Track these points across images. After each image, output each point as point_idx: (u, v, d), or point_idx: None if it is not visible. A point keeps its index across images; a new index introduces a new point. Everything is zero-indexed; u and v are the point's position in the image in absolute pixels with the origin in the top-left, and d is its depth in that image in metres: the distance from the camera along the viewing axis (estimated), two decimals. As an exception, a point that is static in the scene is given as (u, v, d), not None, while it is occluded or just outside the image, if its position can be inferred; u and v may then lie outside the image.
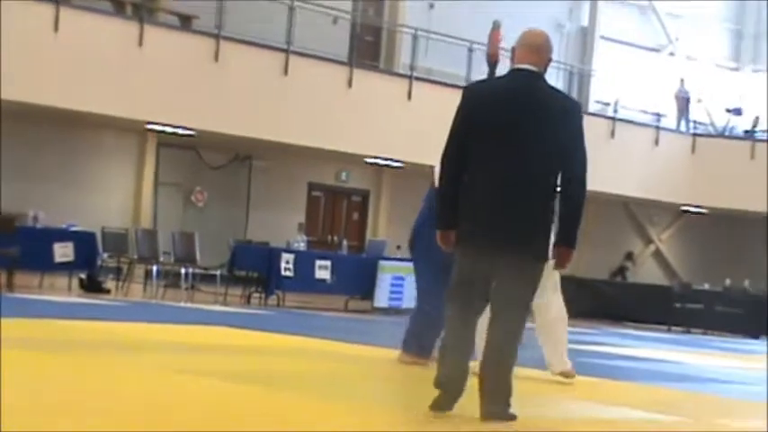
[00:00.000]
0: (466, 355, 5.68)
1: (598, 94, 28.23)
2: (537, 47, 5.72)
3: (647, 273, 29.27)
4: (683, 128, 28.19)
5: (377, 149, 22.77)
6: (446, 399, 5.60)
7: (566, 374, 8.11)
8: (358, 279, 17.24)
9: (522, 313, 5.67)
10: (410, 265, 17.56)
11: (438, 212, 5.79)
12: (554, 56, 6.02)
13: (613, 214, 28.65)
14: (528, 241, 5.58)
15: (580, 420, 6.34)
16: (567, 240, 5.63)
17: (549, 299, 8.00)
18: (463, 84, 23.62)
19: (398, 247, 19.05)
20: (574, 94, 26.82)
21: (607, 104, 27.69)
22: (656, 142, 26.42)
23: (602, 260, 27.51)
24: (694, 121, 28.74)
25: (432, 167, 6.33)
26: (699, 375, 8.84)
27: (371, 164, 23.96)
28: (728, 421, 6.89)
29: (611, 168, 24.80)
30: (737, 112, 29.17)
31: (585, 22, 28.67)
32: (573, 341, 13.35)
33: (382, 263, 17.36)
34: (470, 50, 24.00)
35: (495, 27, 24.35)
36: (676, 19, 30.08)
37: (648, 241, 30.23)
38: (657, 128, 27.39)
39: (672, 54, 30.12)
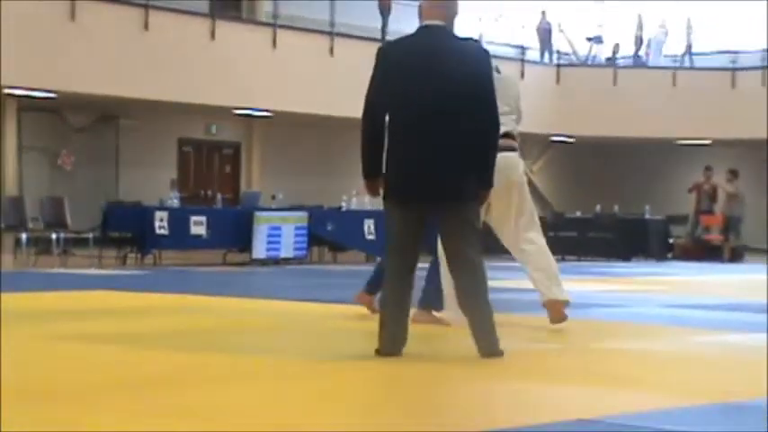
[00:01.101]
0: (405, 311, 5.91)
1: (464, 30, 28.34)
2: (442, 2, 6.00)
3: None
4: (546, 59, 28.54)
5: (245, 100, 22.58)
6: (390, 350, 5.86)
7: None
8: (234, 232, 17.14)
9: (476, 252, 5.90)
10: (286, 214, 17.68)
11: (363, 160, 5.93)
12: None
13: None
14: (458, 185, 5.83)
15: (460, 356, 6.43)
16: (488, 183, 5.93)
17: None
18: (328, 29, 23.59)
19: (273, 197, 18.98)
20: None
21: (476, 41, 27.83)
22: (522, 75, 26.69)
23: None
24: (557, 52, 29.13)
25: None
26: (577, 302, 9.01)
27: (240, 115, 23.77)
28: (601, 344, 7.05)
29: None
30: (598, 40, 29.62)
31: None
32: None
33: (257, 214, 17.28)
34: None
35: None
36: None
37: (521, 173, 30.59)
38: (522, 61, 27.67)
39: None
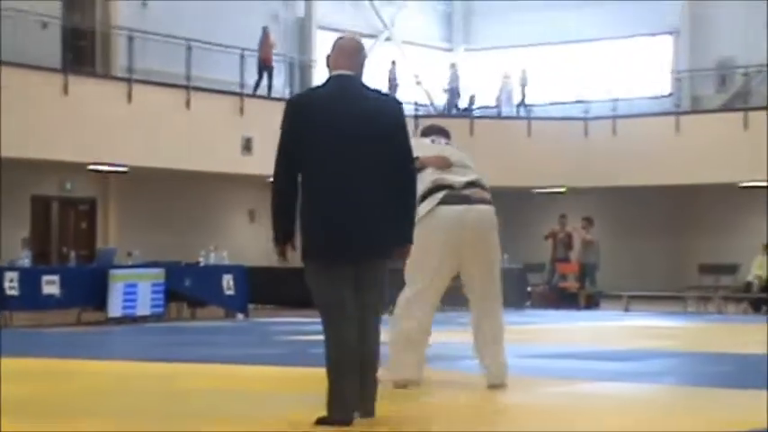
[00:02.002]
0: (357, 373, 5.74)
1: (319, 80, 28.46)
2: (351, 52, 5.89)
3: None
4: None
5: (100, 156, 22.24)
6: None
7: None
8: (89, 290, 16.75)
9: (381, 310, 5.88)
10: (141, 271, 17.37)
11: (276, 222, 5.74)
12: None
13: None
14: (385, 242, 5.75)
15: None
16: (408, 237, 5.85)
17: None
18: (184, 83, 23.42)
19: (129, 254, 18.67)
20: (296, 85, 27.01)
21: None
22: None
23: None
24: (415, 103, 29.40)
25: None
26: (447, 354, 9.07)
27: (95, 171, 23.39)
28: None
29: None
30: (454, 91, 30.01)
31: (302, 13, 28.86)
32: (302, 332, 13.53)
33: (112, 272, 16.95)
34: (189, 49, 23.73)
35: (266, 33, 25.22)
36: (389, 4, 30.67)
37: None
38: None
39: (388, 39, 30.70)
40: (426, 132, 8.04)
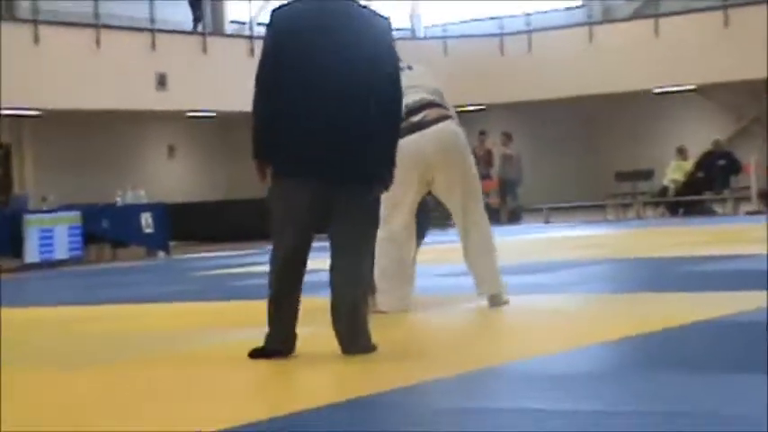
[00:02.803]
0: (297, 304, 5.47)
1: (234, 14, 28.12)
2: None
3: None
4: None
5: (11, 100, 21.89)
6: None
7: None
8: (4, 237, 16.64)
9: (369, 249, 5.59)
10: (57, 215, 17.23)
11: (256, 139, 5.44)
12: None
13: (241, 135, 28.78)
14: (362, 166, 5.43)
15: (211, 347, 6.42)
16: (391, 163, 5.51)
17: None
18: (93, 22, 23.04)
19: (44, 199, 18.49)
20: (208, 17, 26.66)
21: (243, 23, 27.65)
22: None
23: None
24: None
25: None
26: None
27: (8, 116, 23.04)
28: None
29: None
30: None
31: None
32: (214, 266, 13.57)
33: (27, 217, 16.82)
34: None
35: None
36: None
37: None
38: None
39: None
40: None
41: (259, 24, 27.25)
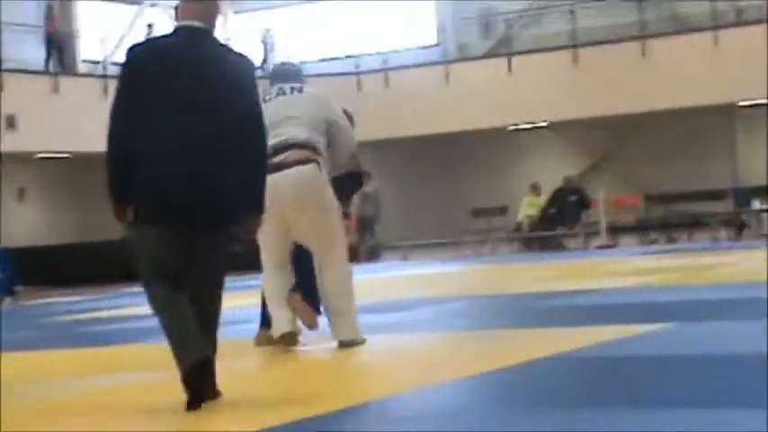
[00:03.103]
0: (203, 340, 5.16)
1: (87, 53, 27.66)
2: (201, 3, 5.38)
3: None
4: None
5: None
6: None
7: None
8: None
9: (221, 292, 5.39)
10: None
11: (112, 182, 5.21)
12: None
13: (94, 176, 28.28)
14: (223, 209, 5.25)
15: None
16: (257, 207, 5.32)
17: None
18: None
19: None
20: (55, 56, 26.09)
21: (97, 63, 27.20)
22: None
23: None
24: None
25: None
26: (236, 318, 8.94)
27: None
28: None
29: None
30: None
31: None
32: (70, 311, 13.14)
33: None
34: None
35: (50, 6, 24.87)
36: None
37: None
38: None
39: (154, 5, 30.05)
40: (273, 77, 7.56)
41: (114, 64, 26.88)
